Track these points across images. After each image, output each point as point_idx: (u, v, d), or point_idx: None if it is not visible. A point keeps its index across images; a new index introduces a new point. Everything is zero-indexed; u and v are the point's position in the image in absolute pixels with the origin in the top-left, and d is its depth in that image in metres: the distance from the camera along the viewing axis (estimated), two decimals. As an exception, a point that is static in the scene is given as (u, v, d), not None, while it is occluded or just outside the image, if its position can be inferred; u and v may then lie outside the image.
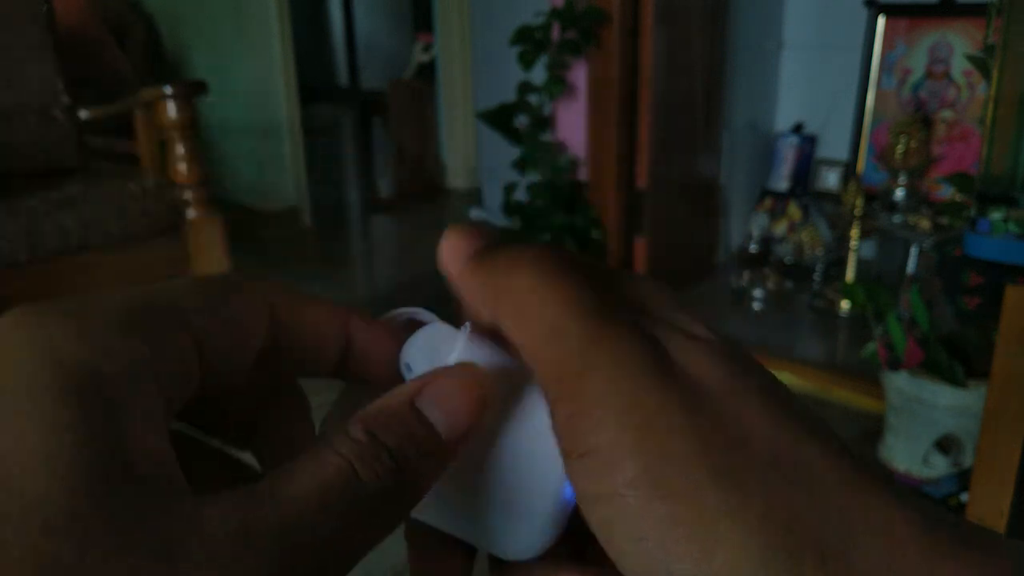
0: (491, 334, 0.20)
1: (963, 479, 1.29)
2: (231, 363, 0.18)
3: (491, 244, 0.19)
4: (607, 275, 0.19)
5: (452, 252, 0.20)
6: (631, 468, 0.15)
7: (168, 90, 1.67)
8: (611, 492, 0.15)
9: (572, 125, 2.03)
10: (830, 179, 2.38)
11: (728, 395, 0.16)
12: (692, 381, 0.16)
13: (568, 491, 0.19)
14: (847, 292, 1.66)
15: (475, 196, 3.21)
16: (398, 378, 0.21)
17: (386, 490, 0.17)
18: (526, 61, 1.89)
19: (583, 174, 2.03)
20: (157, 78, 2.71)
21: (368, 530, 0.16)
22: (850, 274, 2.12)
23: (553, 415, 0.17)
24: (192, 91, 1.72)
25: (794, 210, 2.36)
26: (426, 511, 0.20)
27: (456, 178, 3.50)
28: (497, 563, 0.20)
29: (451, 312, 0.21)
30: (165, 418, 0.16)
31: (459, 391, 0.18)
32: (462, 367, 0.19)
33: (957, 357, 1.30)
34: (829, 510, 0.14)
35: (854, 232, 2.08)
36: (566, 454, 0.16)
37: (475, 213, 2.87)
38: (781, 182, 2.42)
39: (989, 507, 1.02)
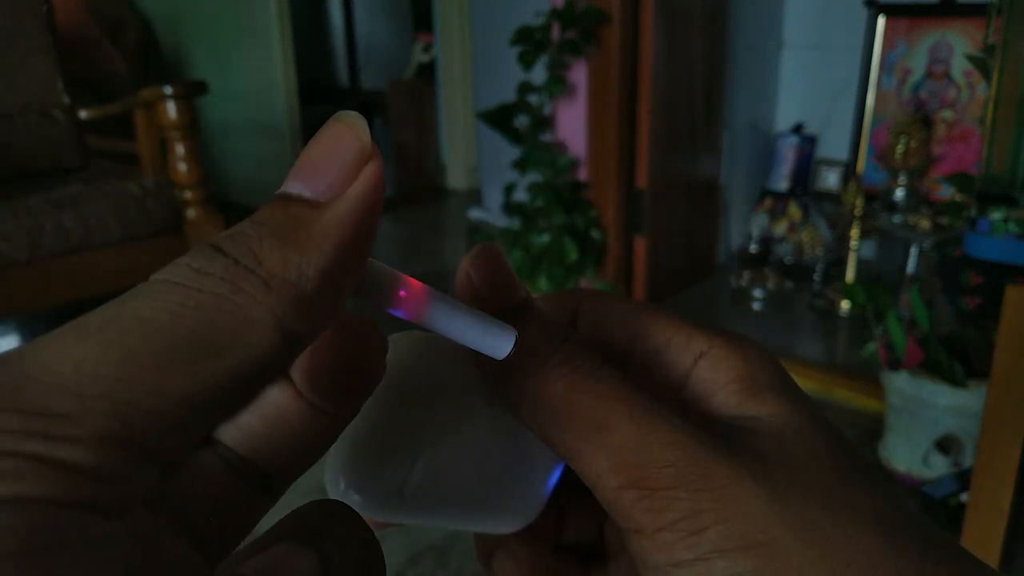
0: None
1: (963, 479, 1.29)
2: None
3: (510, 279, 0.20)
4: (654, 338, 0.20)
5: (477, 275, 0.20)
6: (715, 534, 0.16)
7: (168, 90, 1.68)
8: (695, 558, 0.16)
9: (572, 125, 2.03)
10: (830, 179, 2.38)
11: (795, 459, 0.17)
12: (753, 452, 0.17)
13: (556, 471, 0.21)
14: (847, 292, 1.66)
15: (475, 196, 3.21)
16: None
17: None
18: (526, 61, 1.89)
19: (583, 174, 2.03)
20: (153, 79, 2.71)
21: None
22: (850, 274, 2.12)
23: (615, 500, 0.17)
24: (192, 91, 1.72)
25: (794, 210, 2.36)
26: (418, 511, 0.20)
27: (456, 178, 3.50)
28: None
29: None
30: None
31: (331, 143, 0.16)
32: (337, 116, 0.16)
33: (957, 357, 1.30)
34: (903, 550, 0.16)
35: (854, 232, 2.08)
36: (637, 532, 0.17)
37: (475, 213, 2.87)
38: (781, 182, 2.42)
39: (989, 507, 1.02)
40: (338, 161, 0.15)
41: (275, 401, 0.17)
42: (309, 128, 3.27)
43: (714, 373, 0.19)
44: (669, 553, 0.17)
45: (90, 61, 2.08)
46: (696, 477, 0.17)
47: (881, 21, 2.10)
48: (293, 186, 0.15)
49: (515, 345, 0.18)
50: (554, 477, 0.21)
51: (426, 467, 0.20)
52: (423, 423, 0.20)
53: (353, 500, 0.19)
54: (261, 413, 0.16)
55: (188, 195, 1.74)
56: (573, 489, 0.21)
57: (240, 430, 0.16)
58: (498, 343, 0.17)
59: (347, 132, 0.16)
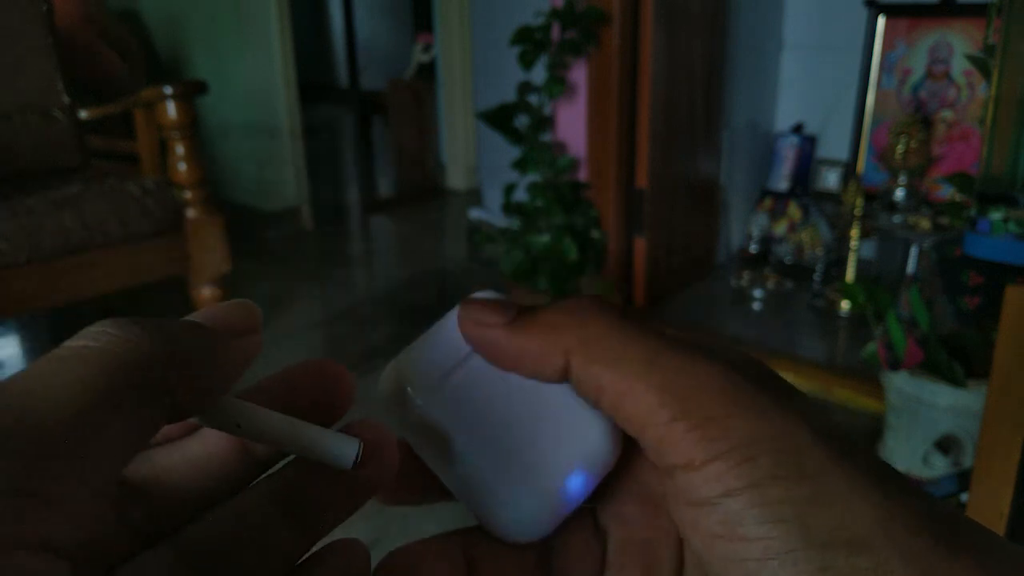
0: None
1: (963, 479, 1.29)
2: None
3: (521, 307, 0.20)
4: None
5: (483, 316, 0.20)
6: (767, 462, 0.17)
7: (168, 90, 1.68)
8: (747, 485, 0.17)
9: (572, 125, 2.03)
10: (830, 179, 2.38)
11: (824, 416, 0.18)
12: (792, 399, 0.18)
13: (578, 485, 0.20)
14: (847, 292, 1.66)
15: (475, 196, 3.21)
16: None
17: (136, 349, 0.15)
18: (526, 61, 1.89)
19: (583, 174, 2.03)
20: (155, 79, 2.71)
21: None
22: (850, 274, 2.12)
23: (665, 435, 0.18)
24: (192, 91, 1.72)
25: (794, 210, 2.36)
26: (446, 475, 0.21)
27: (456, 178, 3.50)
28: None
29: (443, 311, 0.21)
30: None
31: (226, 307, 0.18)
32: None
33: (957, 357, 1.30)
34: (939, 515, 0.17)
35: (854, 232, 2.08)
36: (688, 465, 0.17)
37: (475, 213, 2.87)
38: (781, 182, 2.42)
39: (989, 507, 1.02)
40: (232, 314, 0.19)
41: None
42: (309, 128, 3.27)
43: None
44: (721, 483, 0.17)
45: (87, 62, 2.08)
46: (747, 404, 0.17)
47: (881, 21, 2.10)
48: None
49: (358, 453, 0.18)
50: (575, 486, 0.20)
51: (469, 375, 0.21)
52: (476, 362, 0.21)
53: (402, 376, 0.21)
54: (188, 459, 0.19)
55: (188, 195, 1.74)
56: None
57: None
58: (344, 452, 0.18)
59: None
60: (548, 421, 0.21)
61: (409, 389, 0.21)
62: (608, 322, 0.19)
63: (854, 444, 0.18)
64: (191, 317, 0.18)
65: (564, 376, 0.19)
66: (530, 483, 0.20)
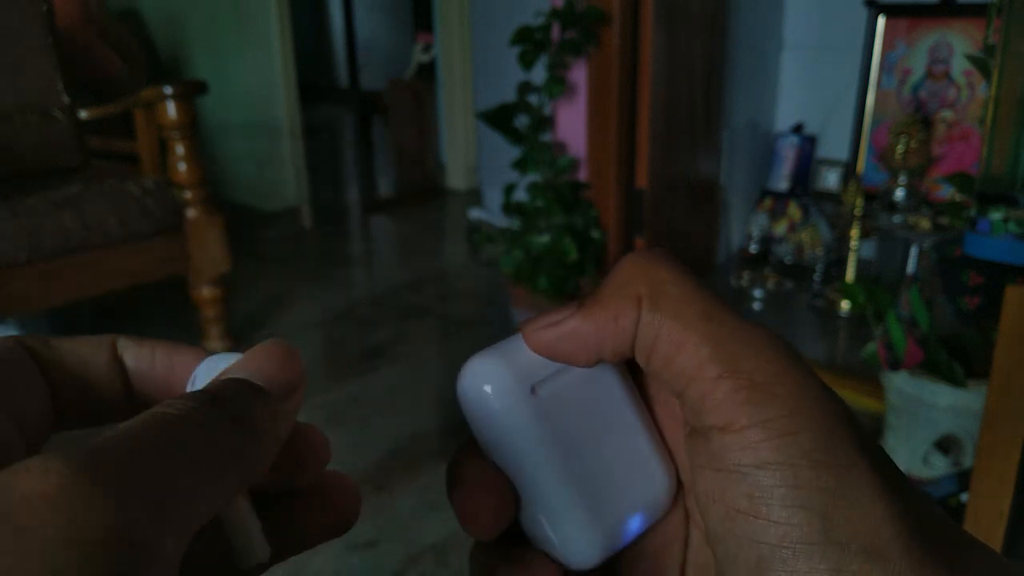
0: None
1: (963, 479, 1.29)
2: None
3: (574, 303, 0.20)
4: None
5: (547, 322, 0.20)
6: (807, 439, 0.16)
7: (168, 90, 1.68)
8: (782, 461, 0.16)
9: (572, 125, 2.03)
10: (830, 179, 2.38)
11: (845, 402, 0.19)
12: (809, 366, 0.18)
13: (636, 524, 0.21)
14: (847, 292, 1.66)
15: (475, 196, 3.21)
16: None
17: (205, 424, 0.16)
18: (526, 61, 1.89)
19: (583, 174, 2.03)
20: (154, 80, 2.71)
21: (196, 465, 0.15)
22: (850, 274, 2.12)
23: (709, 392, 0.17)
24: (192, 91, 1.72)
25: (794, 210, 2.36)
26: (536, 422, 0.21)
27: (456, 178, 3.50)
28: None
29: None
30: None
31: (269, 352, 0.18)
32: (271, 342, 0.19)
33: (957, 357, 1.30)
34: (943, 527, 0.17)
35: (854, 232, 2.08)
36: (727, 427, 0.17)
37: (475, 213, 2.87)
38: (781, 182, 2.42)
39: (989, 507, 1.02)
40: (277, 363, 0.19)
41: None
42: (309, 128, 3.27)
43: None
44: (755, 453, 0.16)
45: (86, 63, 2.08)
46: (796, 378, 0.17)
47: (881, 21, 2.10)
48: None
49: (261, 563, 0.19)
50: (634, 526, 0.21)
51: (551, 395, 0.21)
52: (566, 377, 0.21)
53: (483, 375, 0.21)
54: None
55: (188, 195, 1.74)
56: None
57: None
58: (253, 551, 0.18)
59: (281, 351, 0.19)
60: (620, 459, 0.21)
61: (488, 390, 0.21)
62: (674, 273, 0.19)
63: (870, 437, 0.18)
64: (240, 373, 0.18)
65: (635, 324, 0.19)
66: (596, 516, 0.20)
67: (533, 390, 0.20)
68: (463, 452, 0.21)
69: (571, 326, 0.20)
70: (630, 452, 0.21)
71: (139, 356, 0.20)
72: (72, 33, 1.93)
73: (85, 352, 0.20)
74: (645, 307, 0.19)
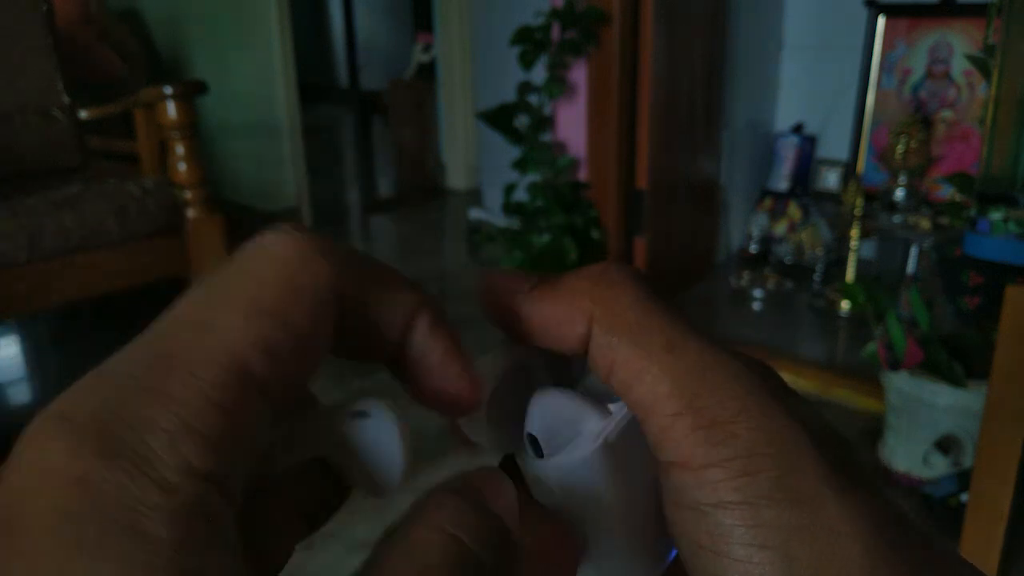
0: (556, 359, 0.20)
1: (963, 479, 1.29)
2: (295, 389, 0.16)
3: (537, 278, 0.19)
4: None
5: (505, 283, 0.19)
6: (766, 480, 0.16)
7: (168, 90, 1.67)
8: (741, 501, 0.16)
9: (572, 125, 2.03)
10: (830, 179, 2.38)
11: (829, 434, 0.17)
12: (802, 413, 0.17)
13: (672, 554, 0.20)
14: (847, 292, 1.66)
15: (475, 196, 3.21)
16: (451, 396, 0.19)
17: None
18: (526, 61, 1.89)
19: (583, 174, 2.03)
20: (154, 80, 2.71)
21: None
22: (850, 274, 2.12)
23: (668, 427, 0.17)
24: (192, 91, 1.72)
25: (794, 210, 2.36)
26: (597, 471, 0.20)
27: (456, 178, 3.50)
28: None
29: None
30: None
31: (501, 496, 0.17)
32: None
33: (957, 357, 1.30)
34: (920, 550, 0.16)
35: (854, 232, 2.08)
36: (685, 465, 0.16)
37: (475, 213, 2.87)
38: (781, 182, 2.42)
39: (989, 507, 1.02)
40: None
41: None
42: (309, 128, 3.27)
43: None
44: (714, 492, 0.16)
45: (86, 63, 2.08)
46: (758, 416, 0.16)
47: (881, 21, 2.10)
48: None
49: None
50: (671, 556, 0.20)
51: (619, 433, 0.19)
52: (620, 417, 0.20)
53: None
54: None
55: (188, 195, 1.74)
56: None
57: None
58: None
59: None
60: (644, 508, 0.20)
61: (532, 441, 0.20)
62: (636, 293, 0.18)
63: (858, 473, 0.17)
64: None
65: (584, 346, 0.18)
66: (646, 555, 0.20)
67: (605, 438, 0.19)
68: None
69: (520, 304, 0.19)
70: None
71: (428, 348, 0.18)
72: (72, 33, 1.93)
73: (386, 306, 0.18)
74: (599, 328, 0.18)
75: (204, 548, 0.13)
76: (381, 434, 0.18)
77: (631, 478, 0.19)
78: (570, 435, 0.19)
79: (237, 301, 0.15)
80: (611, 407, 0.19)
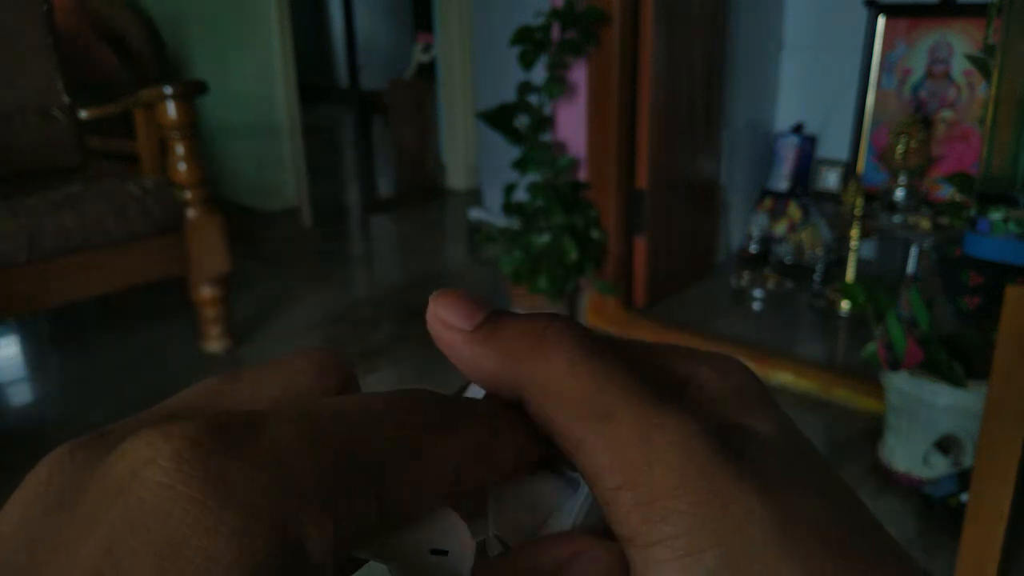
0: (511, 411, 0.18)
1: (963, 479, 1.29)
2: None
3: (491, 312, 0.18)
4: (645, 352, 0.19)
5: (447, 315, 0.18)
6: (712, 558, 0.15)
7: (168, 90, 1.67)
8: None
9: (572, 125, 2.03)
10: (830, 179, 2.38)
11: (790, 481, 0.16)
12: (756, 467, 0.16)
13: None
14: (847, 292, 1.66)
15: (475, 196, 3.21)
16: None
17: None
18: (526, 61, 1.89)
19: (583, 174, 2.03)
20: (160, 79, 2.71)
21: None
22: (850, 274, 2.12)
23: (611, 501, 0.16)
24: (192, 91, 1.72)
25: (794, 210, 2.36)
26: None
27: (456, 178, 3.50)
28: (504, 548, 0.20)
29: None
30: None
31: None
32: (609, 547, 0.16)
33: (957, 357, 1.30)
34: None
35: (854, 232, 2.09)
36: (629, 541, 0.16)
37: (475, 213, 2.87)
38: (781, 182, 2.42)
39: (989, 507, 1.02)
40: None
41: None
42: (309, 128, 3.27)
43: (700, 393, 0.18)
44: (660, 570, 0.15)
45: (87, 65, 2.08)
46: (700, 487, 0.15)
47: (881, 21, 2.10)
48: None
49: None
50: None
51: (589, 512, 0.19)
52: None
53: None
54: None
55: (188, 195, 1.74)
56: None
57: None
58: None
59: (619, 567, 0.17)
60: None
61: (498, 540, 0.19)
62: (571, 356, 0.17)
63: (811, 519, 0.16)
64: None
65: (520, 405, 0.18)
66: None
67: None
68: None
69: (457, 343, 0.18)
70: None
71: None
72: (71, 30, 1.93)
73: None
74: (531, 394, 0.17)
75: None
76: (455, 571, 0.17)
77: None
78: (534, 525, 0.18)
79: None
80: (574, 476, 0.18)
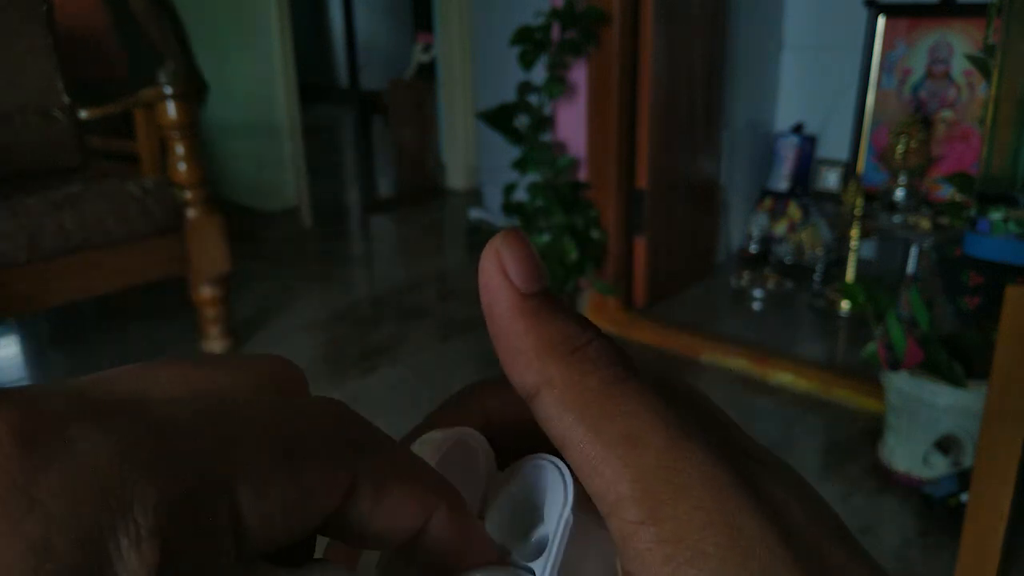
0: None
1: (963, 479, 1.29)
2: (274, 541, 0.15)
3: (546, 289, 0.17)
4: (680, 390, 0.18)
5: (509, 263, 0.17)
6: None
7: (168, 90, 1.67)
8: None
9: (572, 125, 2.03)
10: (830, 179, 2.38)
11: (811, 525, 0.16)
12: (779, 508, 0.15)
13: None
14: (847, 292, 1.66)
15: (475, 196, 3.21)
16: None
17: None
18: (526, 61, 1.89)
19: (583, 174, 2.03)
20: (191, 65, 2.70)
21: None
22: (850, 274, 2.12)
23: (629, 536, 0.15)
24: (192, 91, 1.72)
25: (794, 210, 2.36)
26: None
27: (456, 178, 3.50)
28: None
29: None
30: None
31: None
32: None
33: (957, 357, 1.30)
34: None
35: (854, 232, 2.09)
36: None
37: (475, 213, 2.87)
38: (781, 182, 2.42)
39: (989, 507, 1.02)
40: None
41: None
42: (309, 128, 3.27)
43: (727, 432, 0.18)
44: None
45: (100, 61, 2.08)
46: (727, 528, 0.15)
47: (881, 21, 2.10)
48: None
49: None
50: None
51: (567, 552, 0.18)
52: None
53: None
54: None
55: (188, 195, 1.74)
56: None
57: None
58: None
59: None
60: None
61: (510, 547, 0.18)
62: (607, 375, 0.16)
63: (836, 552, 0.15)
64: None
65: (529, 397, 0.17)
66: None
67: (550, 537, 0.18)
68: None
69: (503, 302, 0.17)
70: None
71: (448, 539, 0.17)
72: (88, 30, 1.93)
73: (400, 514, 0.16)
74: (552, 397, 0.16)
75: None
76: None
77: None
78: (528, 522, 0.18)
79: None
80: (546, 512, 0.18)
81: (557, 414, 0.16)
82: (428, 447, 0.18)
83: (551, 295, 0.17)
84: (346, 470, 0.15)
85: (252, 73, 3.01)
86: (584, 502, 0.17)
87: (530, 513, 0.18)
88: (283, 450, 0.14)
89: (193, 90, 1.73)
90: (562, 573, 0.17)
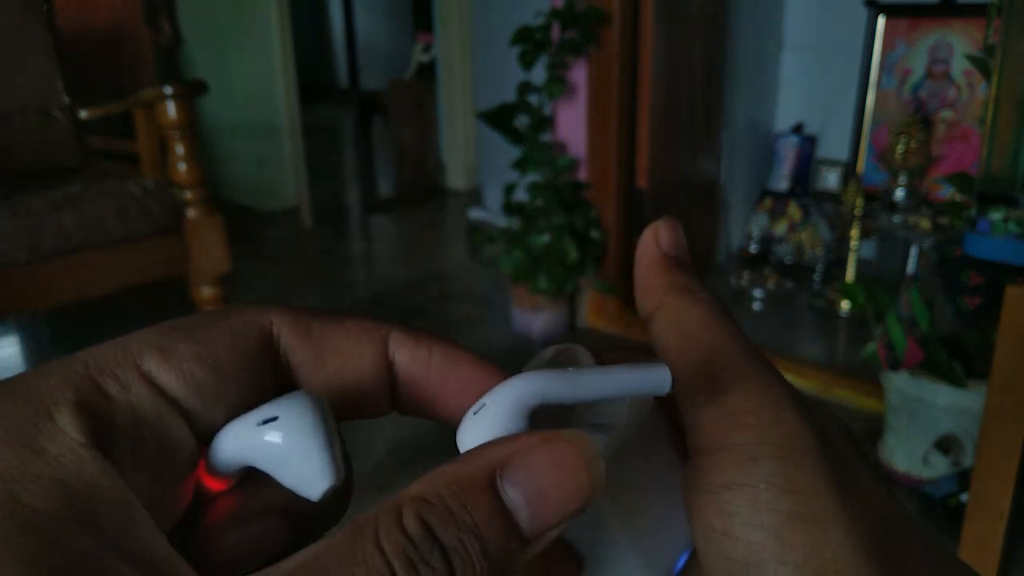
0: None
1: (963, 479, 1.29)
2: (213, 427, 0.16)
3: (682, 258, 0.22)
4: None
5: (661, 233, 0.23)
6: (769, 466, 0.17)
7: (168, 90, 1.67)
8: (744, 483, 0.17)
9: (572, 125, 2.03)
10: (830, 179, 2.38)
11: (844, 445, 0.19)
12: (816, 418, 0.18)
13: (681, 561, 0.21)
14: (847, 292, 1.66)
15: (475, 196, 3.21)
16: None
17: None
18: (526, 61, 1.89)
19: (583, 174, 2.03)
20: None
21: None
22: (850, 274, 2.12)
23: (693, 414, 0.18)
24: (192, 91, 1.72)
25: (794, 210, 2.36)
26: None
27: (456, 178, 3.50)
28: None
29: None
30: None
31: (558, 472, 0.15)
32: (569, 437, 0.15)
33: (957, 357, 1.30)
34: (912, 547, 0.18)
35: (854, 232, 2.09)
36: (703, 450, 0.18)
37: (475, 213, 2.87)
38: (781, 182, 2.42)
39: (989, 507, 1.02)
40: (561, 503, 0.15)
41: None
42: (309, 128, 3.27)
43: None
44: (723, 473, 0.17)
45: (130, 55, 2.07)
46: (772, 414, 0.18)
47: (881, 21, 2.10)
48: (515, 498, 0.15)
49: (672, 381, 0.18)
50: (680, 563, 0.21)
51: (620, 448, 0.20)
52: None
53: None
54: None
55: (188, 195, 1.74)
56: None
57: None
58: (658, 381, 0.18)
59: (578, 463, 0.15)
60: (674, 500, 0.20)
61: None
62: (711, 311, 0.20)
63: (864, 476, 0.18)
64: (512, 489, 0.15)
65: (648, 318, 0.21)
66: (658, 557, 0.20)
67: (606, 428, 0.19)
68: None
69: (647, 257, 0.23)
70: (677, 494, 0.20)
71: (414, 356, 0.19)
72: (121, 24, 1.91)
73: (349, 345, 0.18)
74: (660, 315, 0.21)
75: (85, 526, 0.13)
76: (297, 436, 0.16)
77: (633, 490, 0.20)
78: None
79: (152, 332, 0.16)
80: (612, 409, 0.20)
81: (665, 330, 0.20)
82: (536, 359, 0.21)
83: (684, 261, 0.22)
84: (255, 315, 0.17)
85: (252, 73, 3.01)
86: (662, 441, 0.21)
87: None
88: (174, 325, 0.17)
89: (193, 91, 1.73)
90: (621, 456, 0.19)
